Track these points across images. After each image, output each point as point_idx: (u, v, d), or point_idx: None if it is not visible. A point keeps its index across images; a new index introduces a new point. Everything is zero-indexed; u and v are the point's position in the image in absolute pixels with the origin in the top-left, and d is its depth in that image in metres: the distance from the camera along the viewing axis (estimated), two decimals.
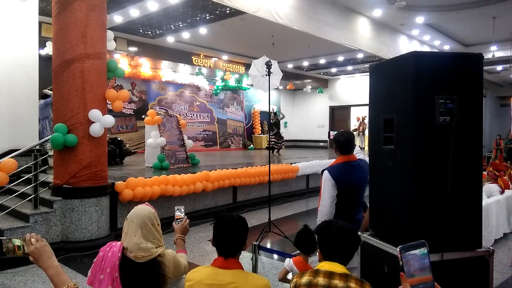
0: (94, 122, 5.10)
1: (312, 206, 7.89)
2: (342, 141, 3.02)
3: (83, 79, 5.08)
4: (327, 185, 2.92)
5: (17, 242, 1.36)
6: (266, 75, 5.54)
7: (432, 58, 2.12)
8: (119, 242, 1.88)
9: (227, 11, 8.85)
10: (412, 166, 2.13)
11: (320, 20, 8.60)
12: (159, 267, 1.87)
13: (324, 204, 2.92)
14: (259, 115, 17.85)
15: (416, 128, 2.11)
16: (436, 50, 13.82)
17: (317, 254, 1.84)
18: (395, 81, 2.21)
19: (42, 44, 7.86)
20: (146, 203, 2.09)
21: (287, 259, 2.79)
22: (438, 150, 2.11)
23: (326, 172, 2.95)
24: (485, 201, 5.17)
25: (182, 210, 2.41)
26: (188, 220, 2.37)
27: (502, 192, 5.87)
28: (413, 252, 1.08)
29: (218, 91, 16.03)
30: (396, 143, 2.24)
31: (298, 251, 2.88)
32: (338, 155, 3.06)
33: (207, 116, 15.78)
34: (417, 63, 2.07)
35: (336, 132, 3.70)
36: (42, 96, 7.70)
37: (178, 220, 2.35)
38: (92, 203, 5.16)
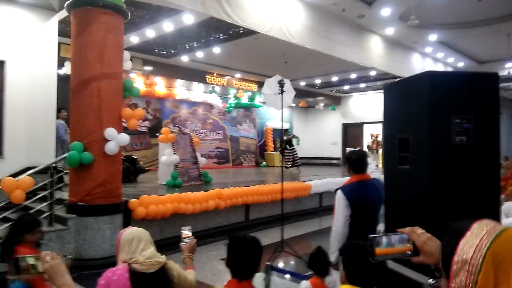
0: (109, 140, 5.18)
1: (325, 225, 7.77)
2: (355, 160, 2.99)
3: (99, 98, 5.19)
4: (340, 205, 2.88)
5: (31, 260, 1.38)
6: (279, 94, 5.57)
7: (447, 78, 2.11)
8: (120, 265, 1.91)
9: (241, 31, 8.99)
10: (429, 186, 2.10)
11: (332, 39, 8.66)
12: (168, 273, 1.99)
13: (338, 224, 2.89)
14: (271, 132, 17.87)
15: (432, 148, 2.08)
16: (450, 67, 13.76)
17: (335, 274, 1.79)
18: (410, 100, 2.20)
19: (60, 64, 8.08)
20: (131, 226, 2.21)
21: (303, 282, 2.74)
22: (455, 170, 2.08)
23: (339, 191, 2.92)
24: (503, 221, 5.02)
25: (190, 230, 2.43)
26: (195, 239, 2.39)
27: None
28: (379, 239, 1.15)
29: (231, 108, 16.15)
30: (412, 163, 2.22)
31: (311, 272, 2.83)
32: (351, 174, 3.03)
33: (220, 133, 15.88)
34: (432, 83, 2.06)
35: (349, 150, 3.66)
36: None
37: (186, 240, 2.37)
38: (106, 221, 5.19)
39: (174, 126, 13.68)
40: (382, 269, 1.72)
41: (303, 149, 19.01)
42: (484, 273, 0.78)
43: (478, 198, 2.08)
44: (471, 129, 2.04)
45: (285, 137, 8.59)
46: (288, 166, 11.95)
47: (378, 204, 2.99)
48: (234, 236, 1.82)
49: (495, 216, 2.20)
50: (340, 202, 2.88)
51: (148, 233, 2.07)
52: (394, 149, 2.32)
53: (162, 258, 1.98)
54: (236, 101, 15.99)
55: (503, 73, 13.25)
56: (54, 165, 5.68)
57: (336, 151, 19.22)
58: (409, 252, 1.12)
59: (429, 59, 12.52)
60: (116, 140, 5.22)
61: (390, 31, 9.93)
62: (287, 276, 4.52)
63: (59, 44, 7.41)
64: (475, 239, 0.82)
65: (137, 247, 1.96)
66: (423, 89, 2.08)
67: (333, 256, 2.84)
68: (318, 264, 2.74)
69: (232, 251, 1.78)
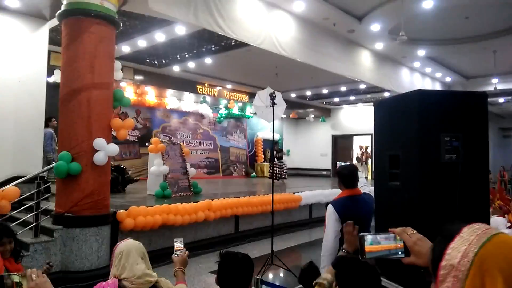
0: (98, 151, 5.12)
1: (315, 237, 7.77)
2: (346, 175, 3.00)
3: (89, 108, 5.14)
4: (331, 219, 2.88)
5: (16, 278, 1.35)
6: (270, 106, 5.59)
7: (436, 97, 2.15)
8: (110, 281, 1.87)
9: (233, 43, 9.05)
10: (419, 203, 2.11)
11: (323, 52, 8.76)
12: None
13: (328, 239, 2.88)
14: (262, 143, 17.90)
15: (421, 165, 2.10)
16: (437, 82, 14.00)
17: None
18: (400, 118, 2.23)
19: (50, 72, 8.02)
20: (129, 238, 2.14)
21: None
22: (444, 187, 2.10)
23: (330, 206, 2.92)
24: None
25: (182, 242, 2.39)
26: (187, 252, 2.35)
27: (510, 227, 5.78)
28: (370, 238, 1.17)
29: (222, 119, 16.16)
30: (402, 180, 2.23)
31: (301, 286, 2.81)
32: (342, 189, 3.03)
33: (210, 143, 15.84)
34: (422, 101, 2.09)
35: (340, 165, 3.68)
36: None
37: (178, 252, 2.33)
38: (93, 232, 5.10)
39: (164, 135, 13.61)
40: (377, 285, 1.69)
41: (293, 160, 19.07)
42: (471, 280, 0.75)
43: (467, 214, 2.10)
44: (460, 147, 2.07)
45: (274, 151, 8.69)
46: (276, 178, 12.02)
47: (369, 218, 2.99)
48: (225, 253, 1.80)
49: None
50: (330, 217, 2.88)
51: (140, 248, 2.02)
52: (385, 165, 2.34)
53: (153, 277, 1.93)
54: (227, 111, 16.01)
55: (489, 88, 13.52)
56: (41, 174, 5.58)
57: (326, 163, 19.30)
58: (400, 253, 1.11)
59: (417, 73, 12.74)
60: (105, 150, 5.16)
61: (379, 46, 10.09)
62: None
63: (49, 52, 7.36)
64: (464, 243, 0.79)
65: (126, 262, 1.93)
66: (413, 107, 2.11)
67: (324, 271, 2.83)
68: (309, 279, 2.72)
69: (223, 269, 1.76)
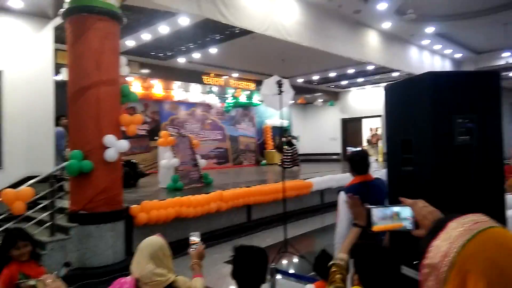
0: (109, 147, 5.15)
1: (328, 222, 7.76)
2: (357, 161, 2.96)
3: (98, 105, 5.15)
4: (343, 206, 2.86)
5: (32, 282, 1.37)
6: (278, 94, 5.54)
7: (448, 78, 2.09)
8: (129, 278, 1.88)
9: (237, 31, 8.95)
10: (433, 187, 2.08)
11: (329, 36, 8.63)
12: None
13: (342, 226, 2.86)
14: (271, 130, 17.86)
15: (435, 149, 2.06)
16: (447, 59, 13.72)
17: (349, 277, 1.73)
18: (411, 101, 2.18)
19: (57, 71, 8.05)
20: (158, 234, 2.12)
21: (308, 286, 2.72)
22: (458, 170, 2.06)
23: (342, 193, 2.89)
24: (507, 213, 5.01)
25: (198, 236, 2.39)
26: (203, 245, 2.36)
27: None
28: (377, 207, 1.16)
29: (230, 108, 16.12)
30: (415, 165, 2.19)
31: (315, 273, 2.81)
32: (354, 175, 3.00)
33: (219, 133, 15.85)
34: (433, 84, 2.04)
35: (351, 151, 3.63)
36: None
37: (194, 246, 2.33)
38: (108, 228, 5.17)
39: (173, 128, 13.65)
40: (397, 274, 1.65)
41: (302, 145, 19.00)
42: (452, 282, 0.69)
43: (483, 197, 2.06)
44: (474, 129, 2.01)
45: (283, 139, 8.66)
46: (287, 166, 11.97)
47: (382, 204, 2.97)
48: (239, 247, 1.79)
49: (500, 213, 2.19)
50: (343, 204, 2.85)
51: (155, 246, 1.97)
52: (397, 150, 2.30)
53: (164, 276, 1.89)
54: (234, 100, 15.96)
55: (501, 62, 13.22)
56: (54, 173, 5.65)
57: (335, 147, 19.20)
58: (410, 225, 1.08)
59: (426, 51, 12.49)
60: (115, 147, 5.19)
61: (386, 25, 9.89)
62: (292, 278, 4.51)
63: (56, 50, 7.38)
64: (446, 241, 0.72)
65: (137, 259, 1.94)
66: (424, 90, 2.06)
67: None
68: (323, 267, 2.71)
69: (237, 263, 1.76)
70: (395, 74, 14.29)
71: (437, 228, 0.77)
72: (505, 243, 0.69)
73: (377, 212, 1.10)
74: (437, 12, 9.65)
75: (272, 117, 17.65)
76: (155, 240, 2.02)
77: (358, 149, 4.82)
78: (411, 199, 1.12)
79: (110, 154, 5.14)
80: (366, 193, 2.89)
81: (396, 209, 1.10)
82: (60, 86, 7.61)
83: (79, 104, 5.17)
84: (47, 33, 6.94)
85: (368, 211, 1.07)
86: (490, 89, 2.07)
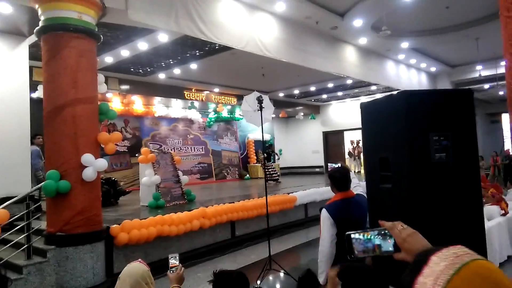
0: (86, 167, 5.04)
1: (312, 236, 7.75)
2: (338, 178, 2.98)
3: (74, 124, 5.05)
4: (326, 224, 2.86)
5: None
6: (258, 110, 5.56)
7: (423, 97, 2.13)
8: None
9: (217, 47, 8.99)
10: (411, 204, 2.10)
11: (307, 51, 8.76)
12: None
13: (324, 244, 2.86)
14: (253, 144, 17.87)
15: (412, 167, 2.09)
16: (423, 72, 14.10)
17: None
18: (387, 120, 2.21)
19: (33, 88, 7.89)
20: (139, 260, 2.04)
21: None
22: (436, 187, 2.08)
23: (324, 211, 2.90)
24: (486, 224, 5.11)
25: (177, 258, 2.33)
26: (183, 268, 2.30)
27: (505, 214, 5.84)
28: (358, 236, 1.10)
29: (212, 123, 16.09)
30: (393, 182, 2.21)
31: None
32: (335, 192, 3.01)
33: (202, 148, 15.76)
34: (408, 102, 2.08)
35: (332, 167, 3.66)
36: None
37: (173, 269, 2.26)
38: (87, 250, 5.01)
39: (154, 143, 13.51)
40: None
41: (285, 159, 19.08)
42: None
43: (461, 213, 2.09)
44: (450, 146, 2.05)
45: (264, 154, 8.76)
46: (270, 179, 12.09)
47: (364, 220, 2.97)
48: (218, 273, 1.76)
49: (480, 227, 2.22)
50: (325, 222, 2.86)
51: (136, 276, 1.88)
52: (376, 168, 2.32)
53: None
54: (216, 115, 15.95)
55: (474, 75, 13.67)
56: (30, 194, 5.48)
57: (318, 160, 19.35)
58: (390, 249, 1.07)
59: (402, 65, 12.82)
60: (93, 166, 5.08)
61: (363, 40, 10.13)
62: None
63: (31, 67, 7.25)
64: (430, 277, 0.70)
65: None
66: (400, 109, 2.09)
67: (321, 277, 2.81)
68: (307, 287, 2.69)
69: None
70: (373, 88, 14.59)
71: (420, 263, 0.75)
72: (490, 277, 0.68)
73: (357, 245, 1.08)
74: (410, 28, 9.96)
75: (255, 131, 17.69)
76: (136, 268, 1.94)
77: (338, 165, 4.83)
78: (390, 222, 1.11)
79: (88, 174, 5.02)
80: (347, 209, 2.91)
81: (377, 241, 1.08)
82: (36, 104, 7.46)
83: (55, 123, 5.05)
84: (23, 51, 6.81)
85: (347, 237, 1.06)
86: (463, 106, 2.12)
